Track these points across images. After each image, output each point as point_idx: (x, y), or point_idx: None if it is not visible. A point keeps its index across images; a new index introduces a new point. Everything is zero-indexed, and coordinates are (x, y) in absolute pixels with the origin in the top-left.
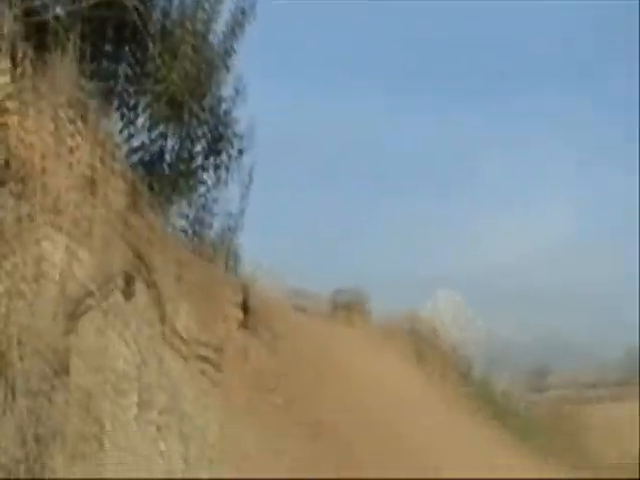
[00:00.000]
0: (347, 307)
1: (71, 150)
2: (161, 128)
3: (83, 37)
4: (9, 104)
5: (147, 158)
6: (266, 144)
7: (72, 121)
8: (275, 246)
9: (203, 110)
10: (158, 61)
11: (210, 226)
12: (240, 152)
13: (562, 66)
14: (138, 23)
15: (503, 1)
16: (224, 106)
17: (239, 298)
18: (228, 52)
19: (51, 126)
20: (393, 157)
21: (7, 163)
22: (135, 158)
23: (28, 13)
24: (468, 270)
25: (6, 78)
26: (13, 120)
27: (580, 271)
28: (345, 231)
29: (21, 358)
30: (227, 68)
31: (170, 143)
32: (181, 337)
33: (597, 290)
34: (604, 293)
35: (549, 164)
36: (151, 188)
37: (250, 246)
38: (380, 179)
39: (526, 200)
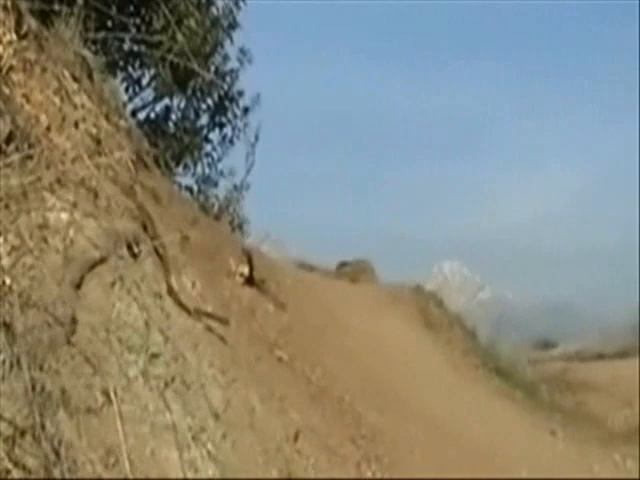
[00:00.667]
0: (353, 273)
1: (76, 108)
2: (166, 96)
3: (87, 0)
4: (14, 62)
5: (153, 116)
6: (271, 107)
7: (77, 79)
8: (280, 213)
9: (208, 69)
10: (163, 21)
11: (216, 184)
12: (245, 110)
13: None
14: None
15: None
16: (230, 65)
17: (245, 255)
18: (234, 12)
19: (55, 84)
20: (400, 123)
21: (13, 120)
22: (141, 116)
23: None
24: (475, 233)
25: (11, 36)
26: (18, 77)
27: (585, 233)
28: (349, 198)
29: (26, 325)
30: (233, 27)
31: (176, 101)
32: (187, 293)
33: (601, 252)
34: (608, 255)
35: (556, 128)
36: (156, 146)
37: (256, 214)
38: (386, 145)
39: (531, 164)
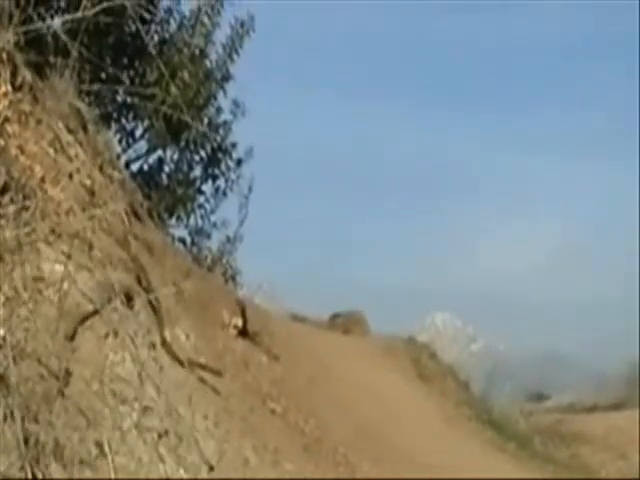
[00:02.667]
0: (346, 325)
1: (70, 159)
2: (159, 147)
3: (81, 52)
4: (9, 113)
5: (146, 168)
6: (264, 159)
7: (71, 131)
8: (273, 264)
9: (202, 122)
10: (157, 73)
11: (209, 236)
12: (239, 162)
13: (562, 75)
14: (139, 28)
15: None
16: (223, 117)
17: (238, 307)
18: (227, 64)
19: (50, 135)
20: (392, 171)
21: (8, 172)
22: (134, 168)
23: (27, 24)
24: (467, 284)
25: (6, 87)
26: (13, 129)
27: (580, 283)
28: (340, 248)
29: (20, 377)
30: (226, 80)
31: (169, 153)
32: (181, 345)
33: (597, 302)
34: (604, 305)
35: (546, 178)
36: (150, 197)
37: (248, 266)
38: (378, 194)
39: (525, 213)
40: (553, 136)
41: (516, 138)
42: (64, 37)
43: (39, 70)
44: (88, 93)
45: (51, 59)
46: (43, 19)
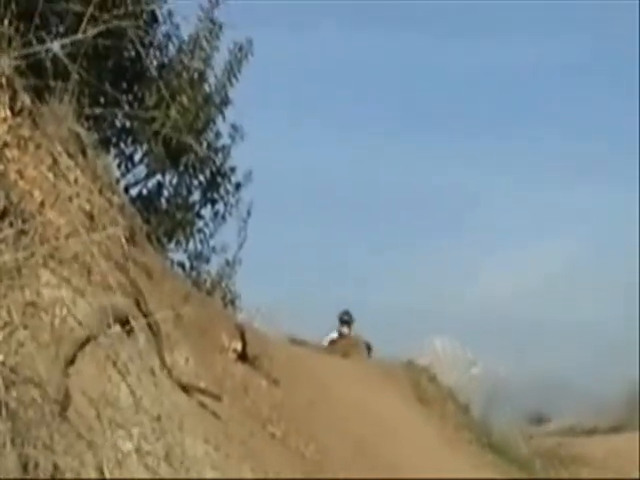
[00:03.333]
0: (345, 348)
1: (70, 184)
2: (158, 172)
3: (81, 75)
4: (8, 138)
5: (145, 192)
6: (263, 183)
7: (71, 155)
8: (272, 288)
9: (200, 145)
10: (156, 97)
11: (208, 260)
12: (238, 187)
13: (560, 96)
14: (140, 51)
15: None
16: (222, 141)
17: (238, 331)
18: (226, 88)
19: (49, 160)
20: (391, 197)
21: (7, 196)
22: (133, 192)
23: (27, 48)
24: (466, 307)
25: (5, 112)
26: (12, 153)
27: (580, 306)
28: (338, 272)
29: (19, 401)
30: (225, 104)
31: (168, 177)
32: (180, 370)
33: (597, 325)
34: (604, 328)
35: (544, 200)
36: (149, 222)
37: (247, 289)
38: (376, 219)
39: (524, 233)
40: (551, 157)
41: (514, 161)
42: (64, 59)
43: (38, 94)
44: (87, 117)
45: (50, 83)
46: (43, 42)
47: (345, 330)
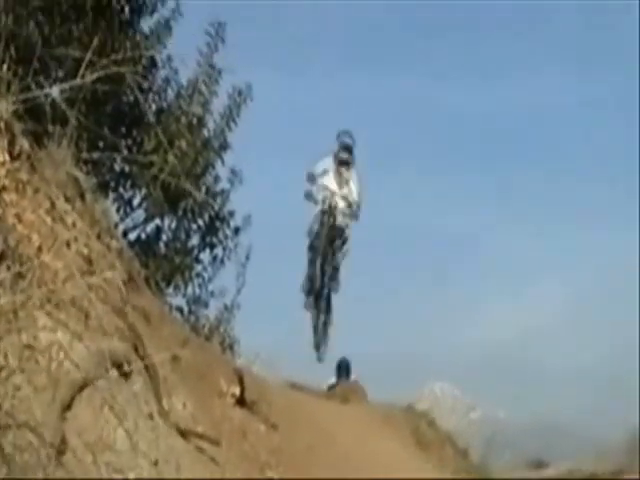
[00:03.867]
0: (344, 394)
1: (68, 228)
2: (157, 216)
3: (80, 120)
4: (6, 182)
5: (144, 237)
6: (262, 227)
7: (69, 199)
8: (271, 332)
9: (199, 189)
10: (155, 142)
11: (206, 305)
12: (236, 231)
13: (561, 142)
14: (138, 96)
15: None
16: (220, 185)
17: (236, 376)
18: (225, 133)
19: (48, 204)
20: (388, 239)
21: (5, 240)
22: (132, 236)
23: (25, 93)
24: (465, 351)
25: (4, 156)
26: (11, 197)
27: (579, 349)
28: (338, 315)
29: (15, 446)
30: (224, 149)
31: (167, 222)
32: (178, 414)
33: (596, 368)
34: (603, 372)
35: (545, 246)
36: (147, 266)
37: (246, 334)
38: (374, 261)
39: (522, 277)
40: (553, 204)
41: (513, 206)
42: (62, 105)
43: (37, 138)
44: (86, 162)
45: (49, 128)
46: (41, 87)
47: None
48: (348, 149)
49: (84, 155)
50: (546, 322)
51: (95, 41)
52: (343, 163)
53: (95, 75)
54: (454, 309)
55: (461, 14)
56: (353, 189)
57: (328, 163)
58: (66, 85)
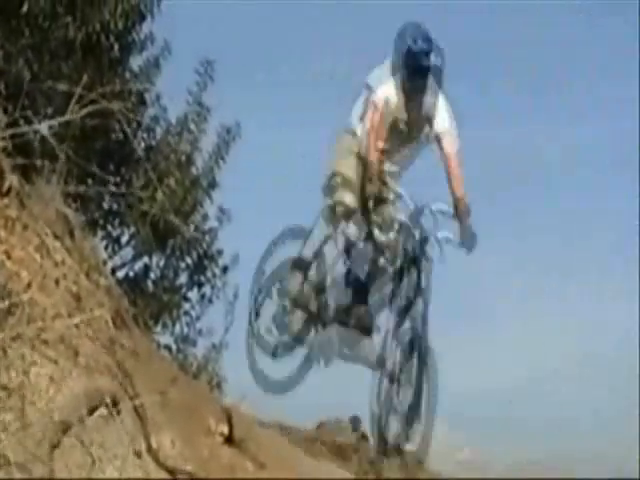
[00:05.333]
0: (332, 433)
1: (56, 265)
2: (145, 254)
3: (69, 156)
4: None
5: (132, 274)
6: (250, 266)
7: (58, 236)
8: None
9: (188, 227)
10: (144, 179)
11: (195, 343)
12: (225, 269)
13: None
14: (127, 132)
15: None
16: (209, 224)
17: (224, 414)
18: (213, 171)
19: (37, 241)
20: None
21: None
22: (120, 274)
23: (14, 128)
24: (453, 392)
25: None
26: (0, 235)
27: (575, 394)
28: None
29: None
30: (212, 187)
31: (155, 260)
32: (166, 452)
33: (589, 413)
34: (595, 417)
35: (547, 283)
36: (135, 304)
37: (234, 373)
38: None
39: (516, 325)
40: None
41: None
42: (51, 140)
43: (26, 174)
44: (74, 199)
45: (38, 163)
46: (30, 123)
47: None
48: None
49: (73, 192)
50: (538, 372)
51: (84, 77)
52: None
53: (84, 111)
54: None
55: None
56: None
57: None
58: (55, 121)
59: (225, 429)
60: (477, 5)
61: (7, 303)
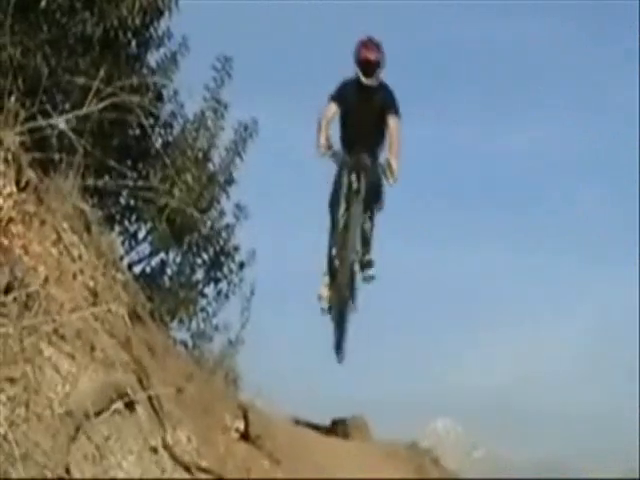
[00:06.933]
0: (347, 430)
1: (74, 260)
2: (162, 250)
3: (86, 151)
4: (13, 213)
5: (148, 270)
6: (267, 260)
7: (75, 231)
8: (275, 368)
9: (204, 224)
10: (161, 175)
11: (211, 339)
12: (241, 266)
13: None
14: (145, 128)
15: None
16: (225, 220)
17: (240, 411)
18: (230, 168)
19: (54, 236)
20: (394, 280)
21: (12, 271)
22: (137, 270)
23: (32, 125)
24: (469, 392)
25: (11, 188)
26: (17, 229)
27: (581, 391)
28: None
29: (20, 476)
30: (229, 183)
31: (172, 256)
32: (182, 448)
33: (598, 410)
34: (604, 413)
35: (550, 279)
36: (152, 300)
37: (250, 369)
38: (377, 302)
39: (524, 318)
40: (557, 249)
41: (515, 246)
42: (69, 134)
43: (43, 170)
44: (92, 194)
45: (56, 158)
46: (49, 115)
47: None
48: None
49: (90, 184)
50: (545, 362)
51: (101, 71)
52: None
53: (102, 104)
54: (454, 351)
55: None
56: None
57: None
58: (73, 114)
59: (241, 425)
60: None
61: (24, 297)
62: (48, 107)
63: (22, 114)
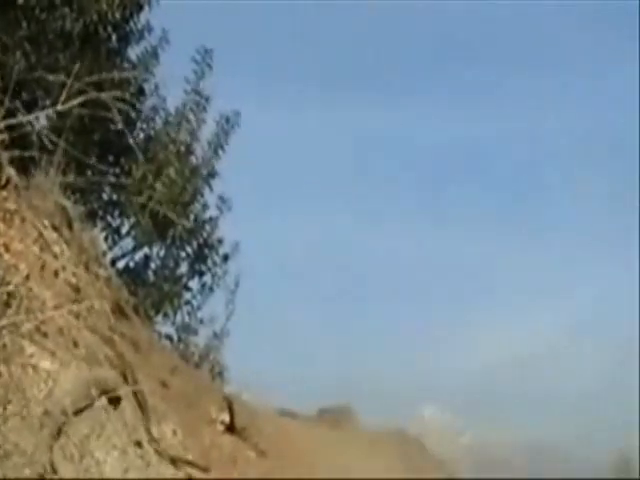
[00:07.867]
0: (334, 419)
1: (55, 257)
2: (145, 244)
3: (67, 149)
4: None
5: (132, 265)
6: (251, 255)
7: (56, 228)
8: (260, 359)
9: (188, 218)
10: (143, 169)
11: (196, 332)
12: (225, 258)
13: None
14: (128, 120)
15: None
16: (209, 213)
17: (225, 403)
18: (213, 160)
19: (35, 233)
20: (377, 265)
21: None
22: (120, 265)
23: (11, 123)
24: (455, 376)
25: None
26: None
27: (570, 374)
28: (327, 344)
29: (5, 473)
30: (212, 176)
31: (155, 250)
32: (168, 442)
33: (587, 393)
34: (594, 396)
35: (538, 260)
36: (136, 294)
37: (235, 361)
38: (363, 288)
39: (513, 301)
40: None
41: (509, 229)
42: (49, 132)
43: (24, 168)
44: (73, 191)
45: (36, 156)
46: (28, 113)
47: None
48: None
49: (72, 180)
50: (533, 346)
51: (82, 67)
52: None
53: (81, 98)
54: (440, 335)
55: None
56: None
57: None
58: (53, 109)
59: (226, 418)
60: None
61: (5, 296)
62: (28, 104)
63: (1, 111)
